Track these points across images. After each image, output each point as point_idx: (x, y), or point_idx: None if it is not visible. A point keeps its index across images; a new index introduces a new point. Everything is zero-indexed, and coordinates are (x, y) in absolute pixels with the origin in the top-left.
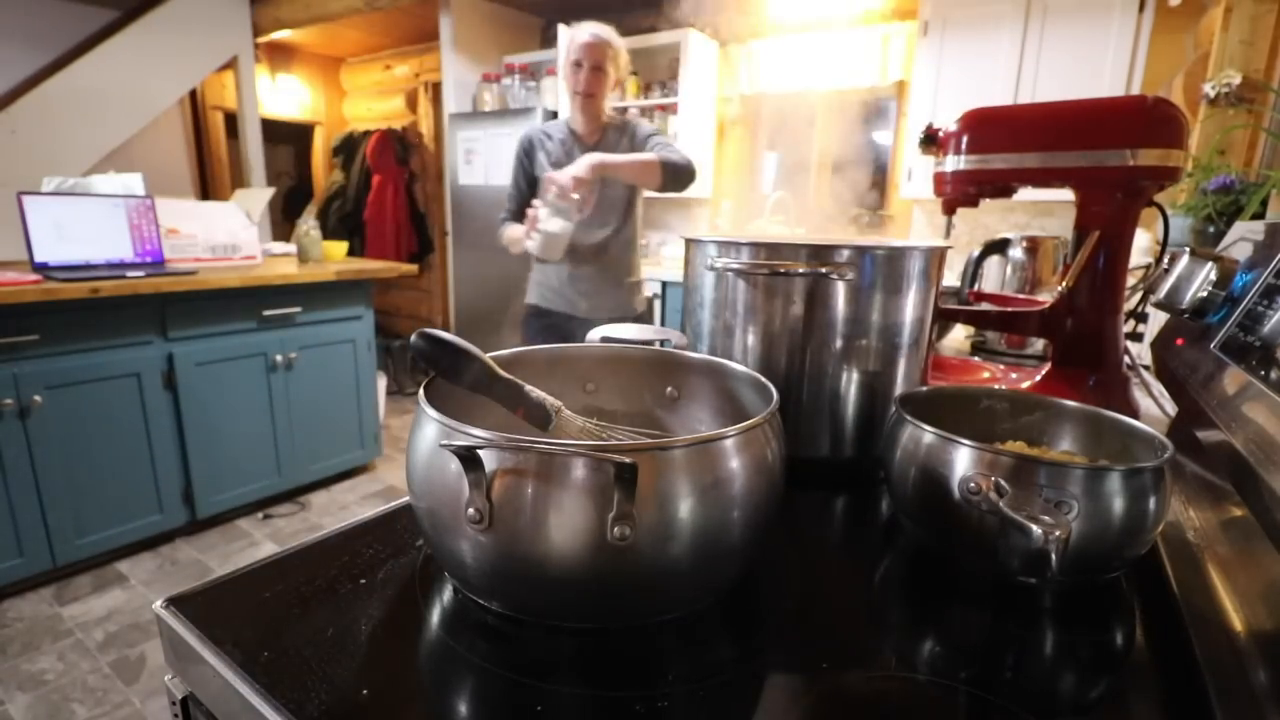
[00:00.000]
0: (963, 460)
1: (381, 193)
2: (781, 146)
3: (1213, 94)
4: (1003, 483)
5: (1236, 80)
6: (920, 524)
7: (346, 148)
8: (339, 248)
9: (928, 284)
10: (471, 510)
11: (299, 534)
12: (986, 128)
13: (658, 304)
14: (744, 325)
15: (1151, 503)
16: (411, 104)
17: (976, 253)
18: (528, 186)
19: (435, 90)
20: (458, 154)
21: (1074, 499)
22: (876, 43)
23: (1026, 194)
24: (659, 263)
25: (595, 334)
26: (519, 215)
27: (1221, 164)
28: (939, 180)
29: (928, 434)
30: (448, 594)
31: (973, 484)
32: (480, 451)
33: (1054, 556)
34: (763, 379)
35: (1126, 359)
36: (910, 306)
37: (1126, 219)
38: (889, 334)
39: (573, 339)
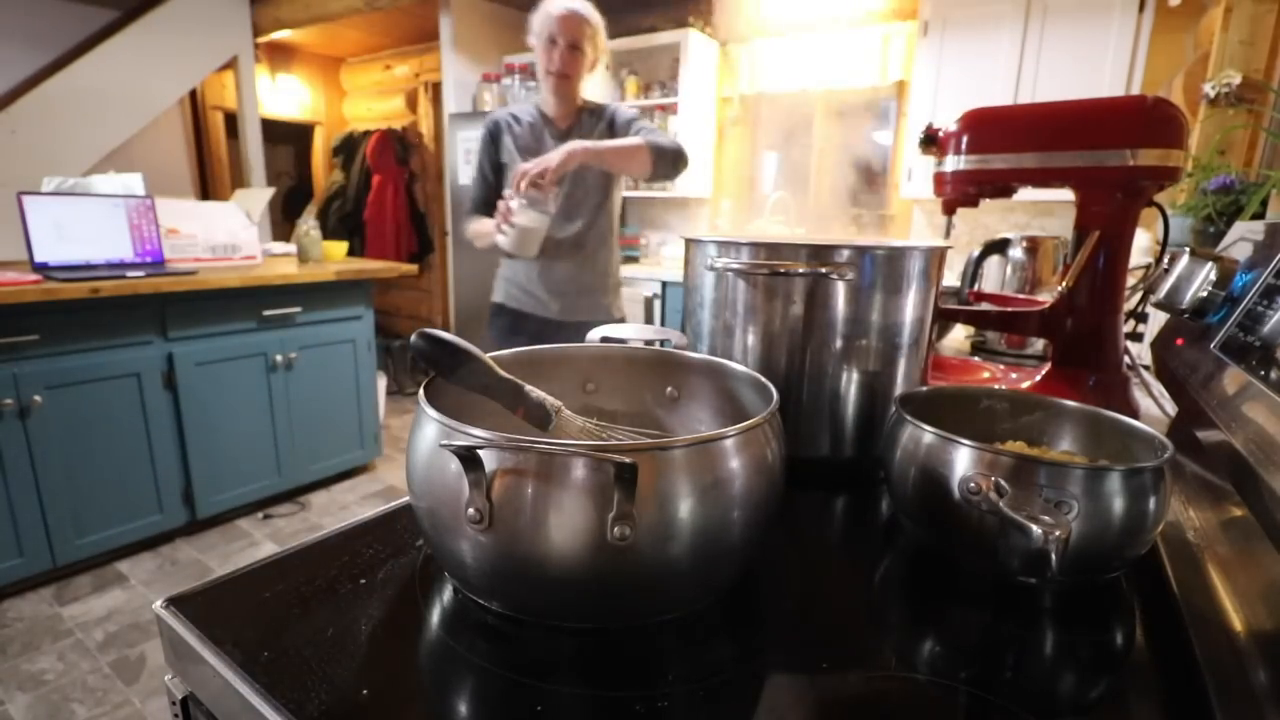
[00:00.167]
0: (963, 460)
1: (381, 193)
2: (781, 146)
3: (1213, 94)
4: (1003, 483)
5: (1236, 80)
6: (920, 524)
7: (346, 148)
8: (339, 248)
9: (928, 284)
10: (471, 510)
11: (299, 534)
12: (986, 128)
13: (658, 304)
14: (744, 325)
15: (1151, 503)
16: (411, 104)
17: (976, 253)
18: (495, 175)
19: (435, 90)
20: (458, 154)
21: (1074, 499)
22: (876, 43)
23: (1026, 194)
24: (659, 263)
25: (595, 334)
26: (486, 206)
27: (1221, 164)
28: (939, 180)
29: (928, 434)
30: (448, 594)
31: (973, 484)
32: (480, 451)
33: (1054, 556)
34: (763, 379)
35: (1126, 359)
36: (910, 306)
37: (1126, 219)
38: (889, 334)
39: (542, 342)
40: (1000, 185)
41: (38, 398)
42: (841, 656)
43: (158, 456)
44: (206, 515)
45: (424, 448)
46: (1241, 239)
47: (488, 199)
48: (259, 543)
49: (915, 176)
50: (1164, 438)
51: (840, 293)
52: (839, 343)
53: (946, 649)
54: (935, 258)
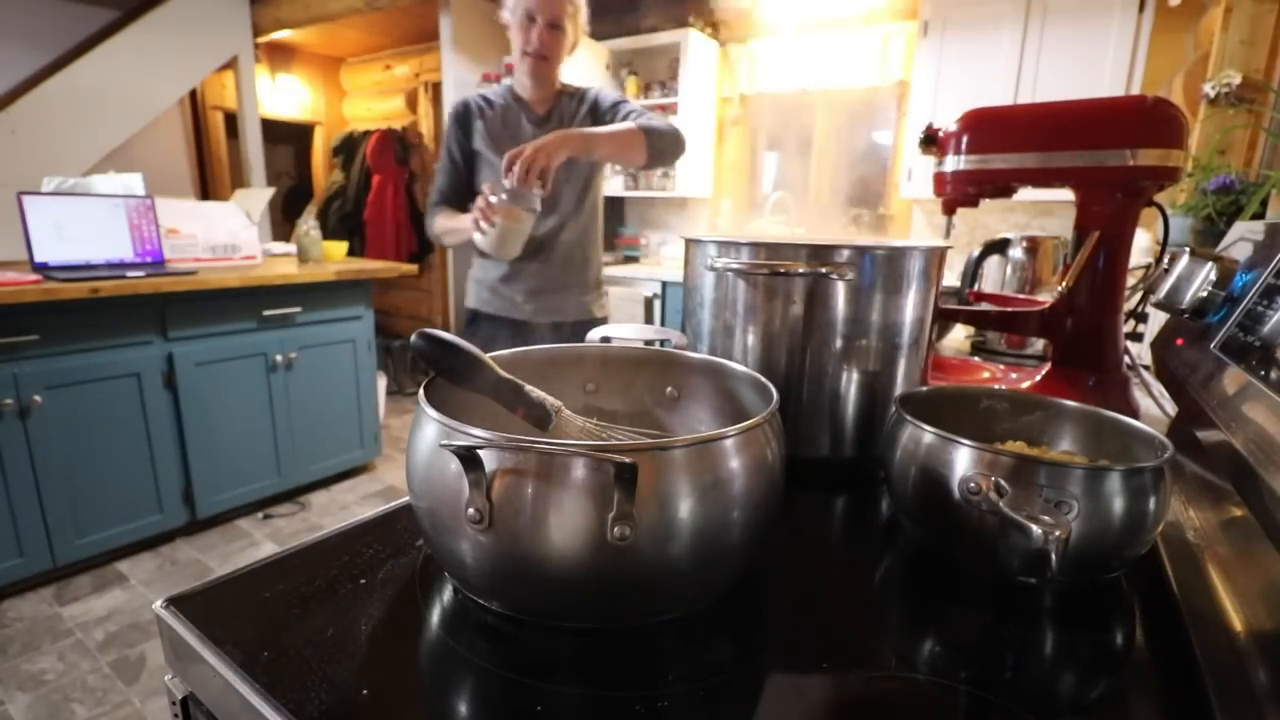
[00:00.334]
0: (963, 460)
1: (381, 193)
2: (781, 146)
3: (1213, 94)
4: (1003, 483)
5: (1236, 80)
6: (920, 524)
7: (346, 148)
8: (339, 248)
9: (928, 284)
10: (471, 510)
11: (299, 534)
12: (986, 128)
13: (658, 304)
14: (744, 325)
15: (1151, 503)
16: (411, 104)
17: (976, 253)
18: (464, 163)
19: (435, 90)
20: None
21: (1074, 499)
22: (876, 43)
23: (1026, 194)
24: (659, 263)
25: (595, 334)
26: (455, 198)
27: (1221, 164)
28: (939, 180)
29: (928, 434)
30: (448, 594)
31: (973, 484)
32: (480, 451)
33: (1054, 556)
34: (763, 379)
35: (1126, 359)
36: (910, 306)
37: (1126, 219)
38: (889, 334)
39: (519, 346)
40: (1000, 185)
41: (38, 398)
42: (841, 656)
43: (158, 456)
44: (206, 515)
45: (424, 448)
46: (1241, 239)
47: (457, 190)
48: (259, 543)
49: (915, 176)
50: (1164, 438)
51: (840, 293)
52: (839, 343)
53: (946, 649)
54: (935, 258)
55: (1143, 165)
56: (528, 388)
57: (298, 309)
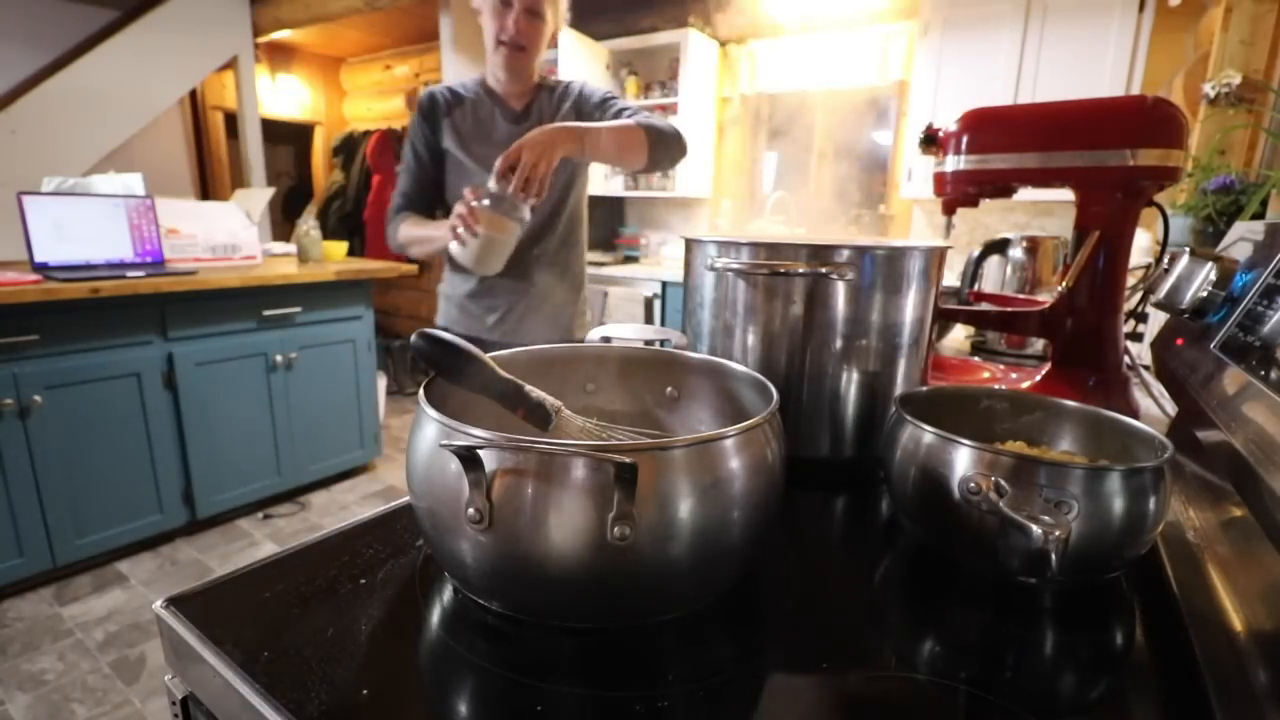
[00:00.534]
0: (963, 460)
1: (381, 193)
2: (781, 146)
3: (1213, 94)
4: (1003, 483)
5: (1236, 80)
6: (920, 524)
7: (346, 148)
8: (339, 248)
9: (928, 284)
10: (471, 510)
11: (299, 534)
12: (986, 128)
13: (658, 304)
14: (744, 325)
15: (1151, 503)
16: (411, 104)
17: (976, 253)
18: (431, 163)
19: None
20: None
21: (1074, 499)
22: (877, 43)
23: (1026, 194)
24: (659, 263)
25: (595, 334)
26: (420, 203)
27: (1221, 164)
28: (939, 180)
29: (928, 434)
30: (448, 594)
31: (973, 484)
32: (480, 451)
33: (1054, 556)
34: (763, 379)
35: (1126, 359)
36: (910, 306)
37: (1126, 219)
38: (889, 334)
39: None
40: (1000, 185)
41: (38, 398)
42: (841, 656)
43: (158, 456)
44: (206, 515)
45: (424, 448)
46: (1241, 239)
47: (423, 194)
48: (259, 543)
49: (915, 176)
50: (1164, 438)
51: (840, 293)
52: (839, 343)
53: (946, 649)
54: (935, 258)
55: (1143, 165)
56: (528, 388)
57: (298, 309)
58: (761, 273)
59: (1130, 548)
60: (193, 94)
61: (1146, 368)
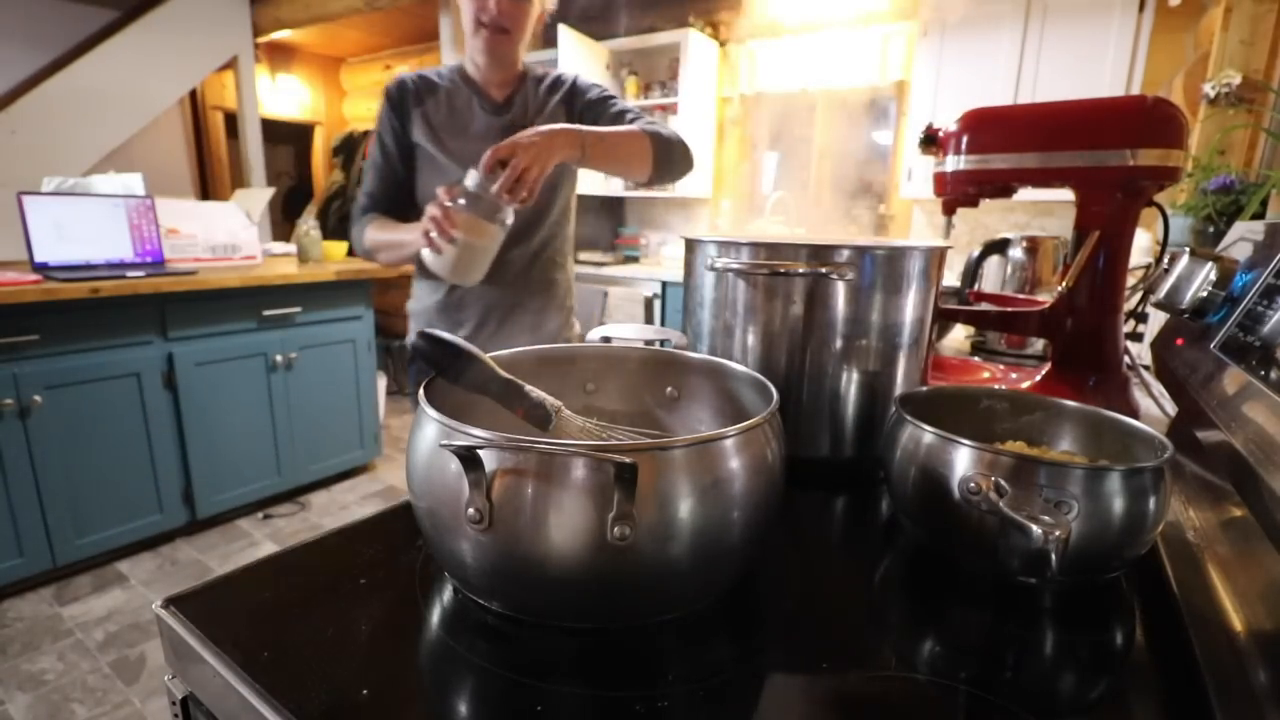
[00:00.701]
0: (963, 460)
1: None
2: (781, 146)
3: (1213, 94)
4: (1003, 483)
5: (1236, 80)
6: (920, 524)
7: (346, 148)
8: (339, 248)
9: (928, 284)
10: (471, 510)
11: (299, 534)
12: (986, 128)
13: (658, 304)
14: (744, 325)
15: (1151, 503)
16: None
17: (976, 253)
18: (401, 159)
19: None
20: None
21: (1074, 499)
22: (876, 43)
23: (1026, 194)
24: (659, 263)
25: (595, 334)
26: (388, 204)
27: (1221, 164)
28: (939, 180)
29: (928, 434)
30: (448, 594)
31: (973, 484)
32: (480, 451)
33: (1054, 556)
34: (763, 379)
35: (1126, 359)
36: (910, 306)
37: (1126, 219)
38: (889, 334)
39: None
40: (1000, 185)
41: (38, 398)
42: (841, 656)
43: (158, 456)
44: (206, 515)
45: (424, 448)
46: (1241, 239)
47: (391, 194)
48: (259, 543)
49: (915, 176)
50: (1164, 438)
51: (840, 293)
52: (839, 343)
53: (946, 649)
54: (935, 258)
55: (1143, 165)
56: (528, 388)
57: (298, 309)
58: (761, 273)
59: (1130, 548)
60: (193, 94)
61: (1146, 368)
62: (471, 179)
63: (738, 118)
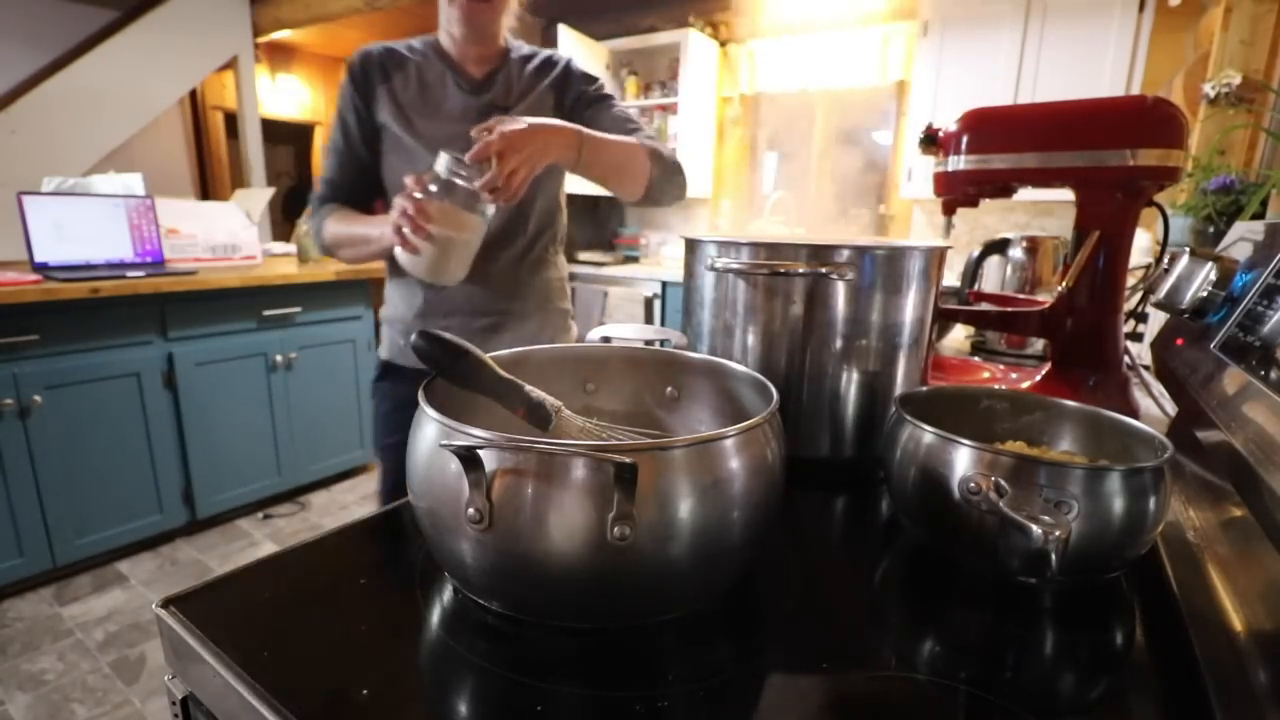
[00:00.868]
0: (963, 460)
1: None
2: (781, 146)
3: (1213, 94)
4: (1003, 483)
5: (1236, 80)
6: (920, 524)
7: None
8: None
9: (928, 284)
10: (471, 510)
11: (299, 534)
12: (986, 128)
13: (658, 304)
14: (744, 325)
15: (1151, 503)
16: None
17: (976, 253)
18: (365, 143)
19: None
20: None
21: (1074, 499)
22: (876, 43)
23: (1026, 194)
24: (659, 263)
25: (595, 334)
26: (350, 193)
27: (1221, 164)
28: (939, 180)
29: (928, 434)
30: (448, 594)
31: (973, 484)
32: (480, 451)
33: (1054, 556)
34: (763, 379)
35: (1126, 359)
36: (910, 306)
37: (1126, 219)
38: (889, 334)
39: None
40: (1000, 185)
41: (38, 398)
42: (841, 656)
43: (158, 456)
44: (206, 515)
45: (424, 448)
46: (1241, 239)
47: (354, 181)
48: (259, 543)
49: (915, 176)
50: (1164, 438)
51: (840, 293)
52: (839, 343)
53: (946, 649)
54: (935, 258)
55: (1143, 165)
56: (528, 388)
57: (298, 309)
58: (761, 273)
59: (1130, 548)
60: (193, 94)
61: (1146, 368)
62: (443, 163)
63: (738, 118)
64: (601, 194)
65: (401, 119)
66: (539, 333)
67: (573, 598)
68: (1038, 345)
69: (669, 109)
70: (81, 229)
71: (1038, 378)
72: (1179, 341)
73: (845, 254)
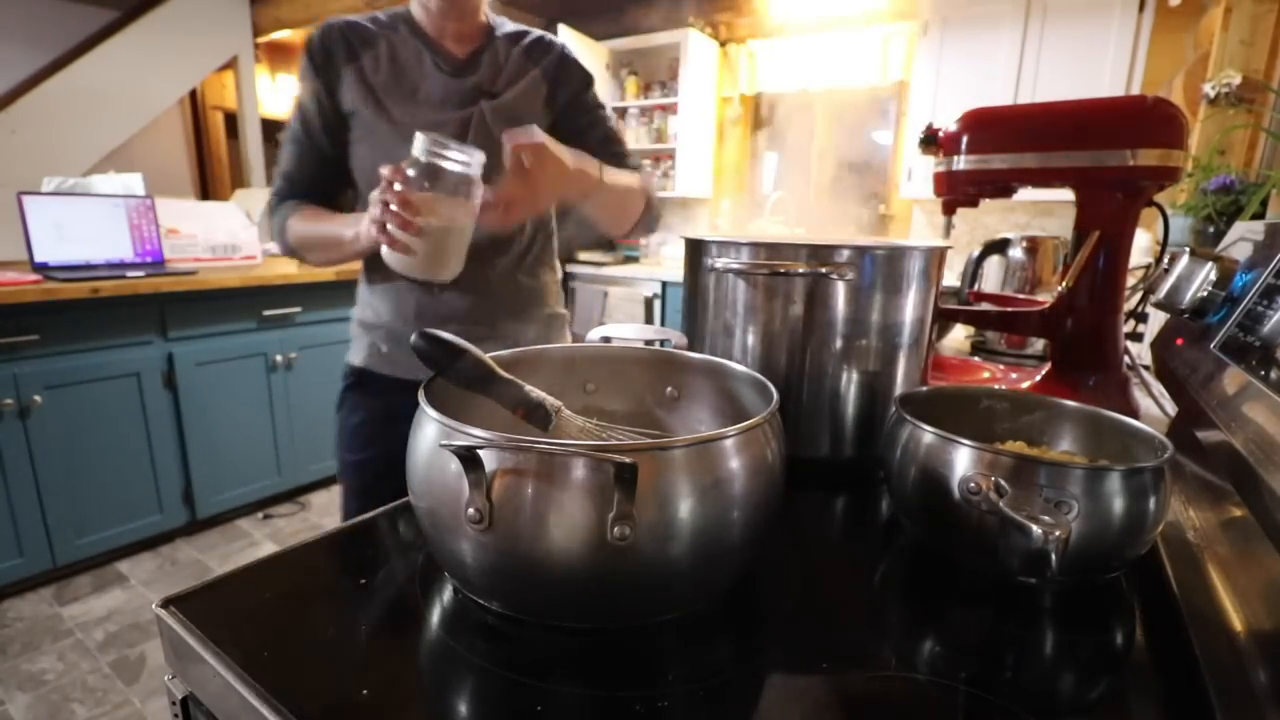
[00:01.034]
0: (963, 460)
1: None
2: (781, 146)
3: (1213, 94)
4: (1003, 483)
5: (1236, 80)
6: (920, 524)
7: None
8: None
9: (928, 284)
10: (471, 510)
11: (299, 534)
12: (986, 128)
13: (658, 304)
14: (744, 325)
15: (1151, 503)
16: None
17: (976, 253)
18: (327, 132)
19: None
20: None
21: (1074, 499)
22: (876, 43)
23: (1026, 194)
24: (659, 263)
25: (595, 334)
26: (311, 187)
27: (1221, 164)
28: (939, 180)
29: (928, 434)
30: (448, 594)
31: (973, 484)
32: (480, 451)
33: (1054, 556)
34: (763, 379)
35: (1126, 359)
36: (910, 306)
37: (1126, 219)
38: (889, 334)
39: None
40: (1000, 185)
41: (38, 398)
42: (841, 656)
43: (157, 456)
44: (206, 515)
45: (424, 448)
46: (1241, 239)
47: (315, 175)
48: (259, 543)
49: (915, 176)
50: (1164, 438)
51: (840, 293)
52: (839, 343)
53: (946, 649)
54: (935, 258)
55: (1143, 165)
56: (528, 388)
57: (298, 309)
58: (761, 273)
59: (1130, 548)
60: (193, 94)
61: (1146, 368)
62: (421, 146)
63: (738, 118)
64: None
65: (373, 103)
66: (538, 340)
67: (573, 598)
68: (1038, 345)
69: (669, 109)
70: (81, 229)
71: (1038, 378)
72: (1179, 341)
73: (845, 254)
